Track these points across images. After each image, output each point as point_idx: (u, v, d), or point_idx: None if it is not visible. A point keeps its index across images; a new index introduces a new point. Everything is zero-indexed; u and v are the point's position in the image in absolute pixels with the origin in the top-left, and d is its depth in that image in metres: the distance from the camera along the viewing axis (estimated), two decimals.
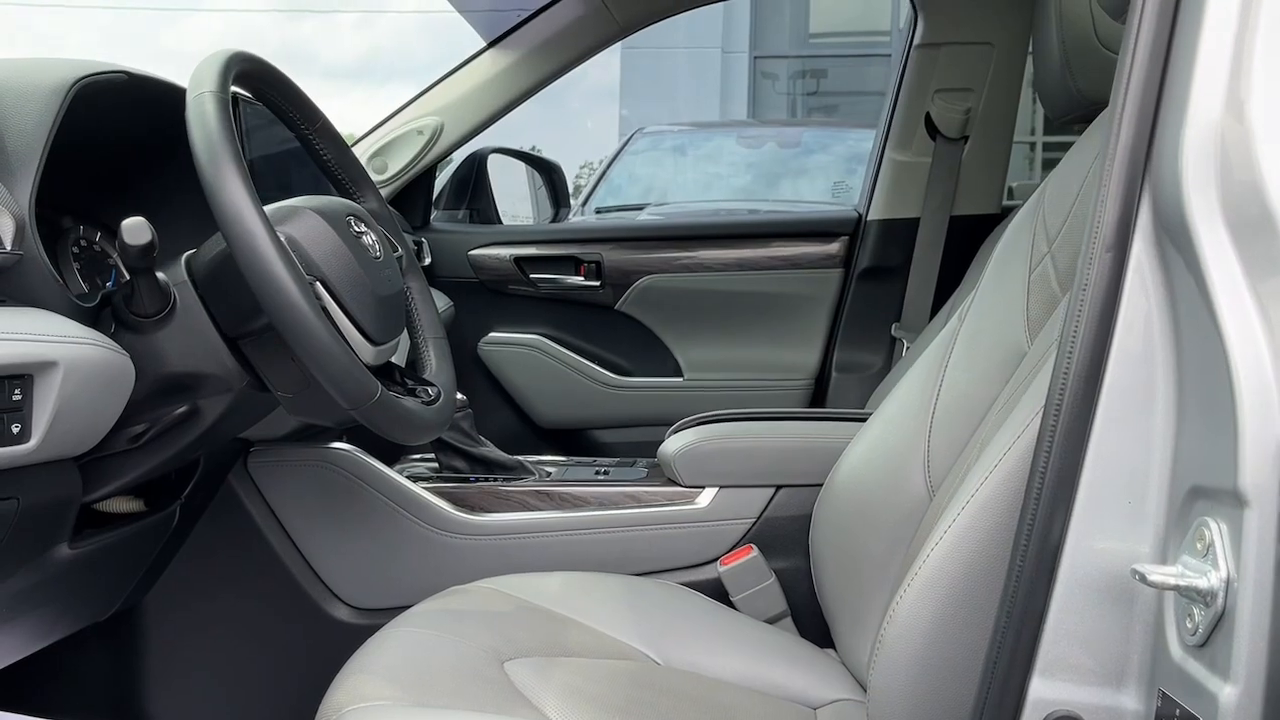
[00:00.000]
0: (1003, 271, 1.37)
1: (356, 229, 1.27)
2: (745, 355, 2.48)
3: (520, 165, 2.84)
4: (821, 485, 1.50)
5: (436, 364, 1.40)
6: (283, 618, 1.60)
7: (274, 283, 1.07)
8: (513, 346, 2.50)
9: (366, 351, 1.23)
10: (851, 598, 1.41)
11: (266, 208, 1.23)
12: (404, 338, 1.42)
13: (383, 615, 1.57)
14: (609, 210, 5.62)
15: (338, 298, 1.20)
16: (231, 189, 1.08)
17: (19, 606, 1.24)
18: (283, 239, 1.16)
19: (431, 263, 2.49)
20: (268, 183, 1.66)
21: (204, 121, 1.11)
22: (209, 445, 1.38)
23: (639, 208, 5.38)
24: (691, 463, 1.59)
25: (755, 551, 1.53)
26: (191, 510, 1.50)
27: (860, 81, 14.39)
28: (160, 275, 1.18)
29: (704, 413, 1.71)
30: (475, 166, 2.70)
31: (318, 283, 1.19)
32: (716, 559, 1.57)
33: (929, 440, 1.34)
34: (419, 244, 2.44)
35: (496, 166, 2.73)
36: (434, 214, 2.61)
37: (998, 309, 1.35)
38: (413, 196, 2.50)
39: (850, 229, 2.47)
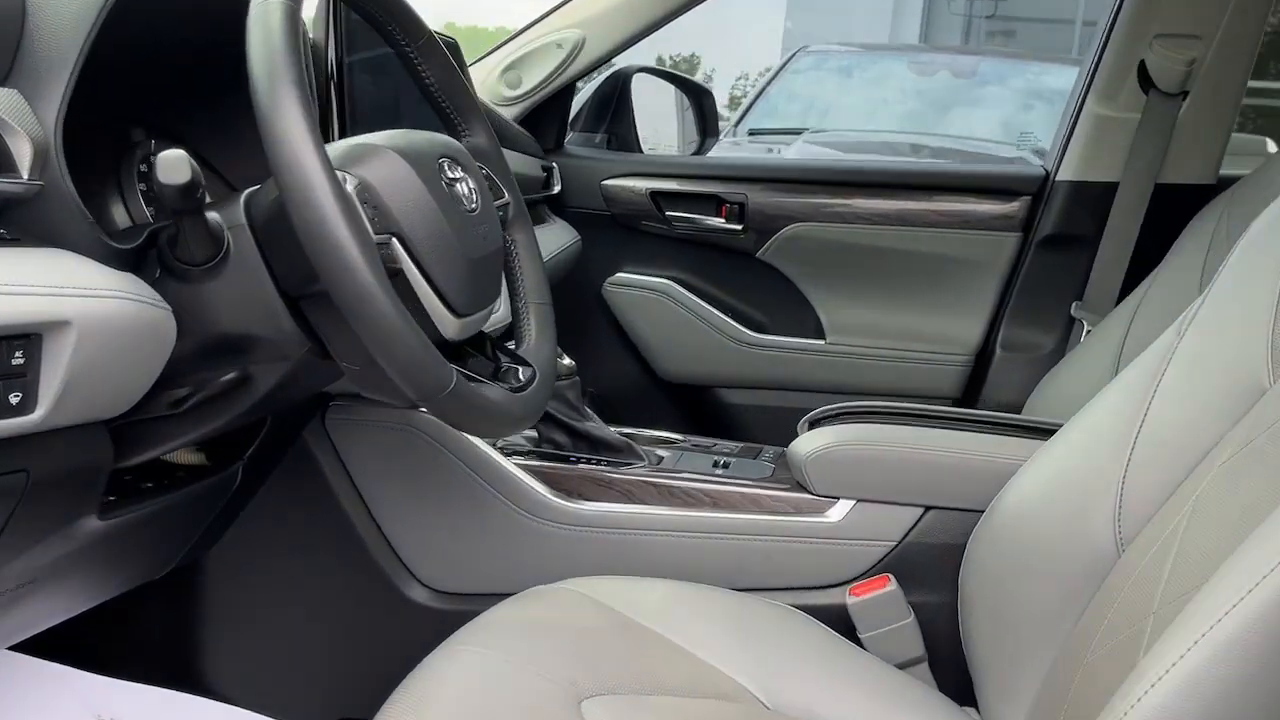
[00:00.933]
0: (1245, 278, 1.09)
1: (450, 175, 1.06)
2: (898, 321, 2.21)
3: (668, 87, 2.59)
4: (981, 512, 1.26)
5: (536, 337, 1.19)
6: (353, 591, 1.43)
7: (330, 241, 0.87)
8: (640, 290, 2.28)
9: (448, 324, 1.03)
10: (1005, 654, 1.17)
11: (341, 143, 1.03)
12: (502, 295, 1.22)
13: (461, 600, 1.41)
14: (763, 132, 5.31)
15: (418, 259, 1.00)
16: (288, 119, 0.88)
17: (54, 574, 1.09)
18: (351, 186, 0.96)
19: (561, 191, 2.28)
20: (378, 116, 1.46)
21: (267, 35, 0.91)
22: (263, 413, 1.21)
23: (796, 132, 5.06)
24: (826, 469, 1.35)
25: (893, 584, 1.29)
26: (258, 469, 1.34)
27: (1044, 7, 13.50)
28: (213, 216, 0.99)
29: (843, 403, 1.47)
30: (618, 86, 2.46)
31: (394, 239, 0.99)
32: (845, 584, 1.34)
33: (1124, 480, 1.08)
34: (548, 170, 2.22)
35: (641, 87, 2.49)
36: (569, 136, 2.40)
37: (1232, 327, 1.07)
38: (547, 116, 2.28)
39: (1034, 188, 2.16)
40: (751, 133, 5.32)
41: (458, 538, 1.40)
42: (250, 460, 1.29)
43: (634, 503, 1.38)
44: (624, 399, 2.34)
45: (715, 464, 1.45)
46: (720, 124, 5.48)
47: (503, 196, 1.22)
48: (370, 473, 1.41)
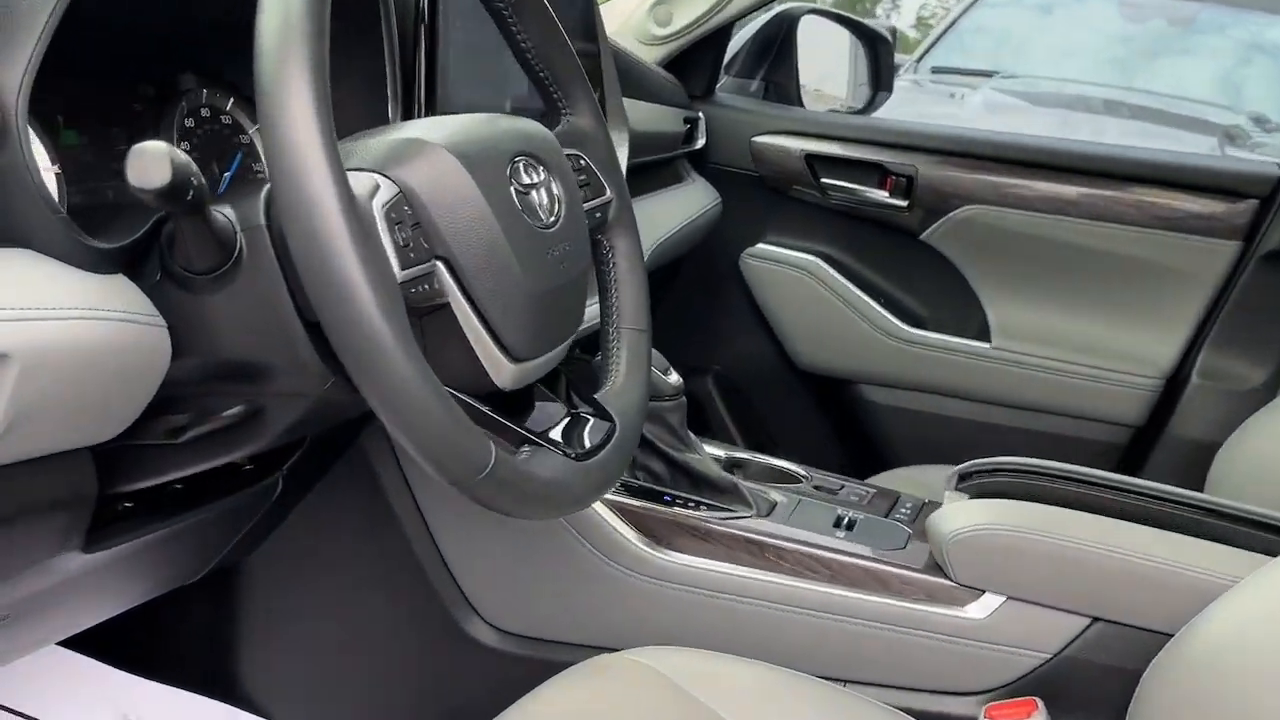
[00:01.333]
0: None
1: (524, 180, 0.83)
2: (1079, 331, 1.90)
3: (840, 32, 2.29)
4: (1168, 635, 0.99)
5: (625, 376, 0.96)
6: (406, 618, 1.26)
7: (330, 274, 0.66)
8: (783, 265, 2.01)
9: (503, 372, 0.81)
10: None
11: (381, 137, 0.81)
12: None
13: (525, 644, 1.22)
14: (948, 71, 4.88)
15: (469, 290, 0.78)
16: (292, 109, 0.66)
17: (34, 608, 0.93)
18: (387, 195, 0.75)
19: (706, 145, 2.03)
20: (477, 68, 1.24)
21: None
22: (282, 444, 1.01)
23: (985, 74, 4.63)
24: (973, 555, 1.10)
25: (1041, 712, 1.04)
26: (301, 478, 1.16)
27: None
28: (224, 213, 0.79)
29: (1002, 460, 1.21)
30: (783, 28, 2.17)
31: (439, 264, 0.77)
32: (979, 694, 1.09)
33: None
34: (692, 122, 1.97)
35: (810, 31, 2.19)
36: (721, 81, 2.13)
37: None
38: (698, 59, 2.02)
39: (1265, 190, 1.80)
40: (935, 70, 4.89)
41: (526, 575, 1.21)
42: (291, 470, 1.12)
43: (732, 561, 1.16)
44: (752, 385, 2.10)
45: (838, 521, 1.21)
46: (900, 58, 5.07)
47: (604, 193, 0.99)
48: (435, 491, 1.22)
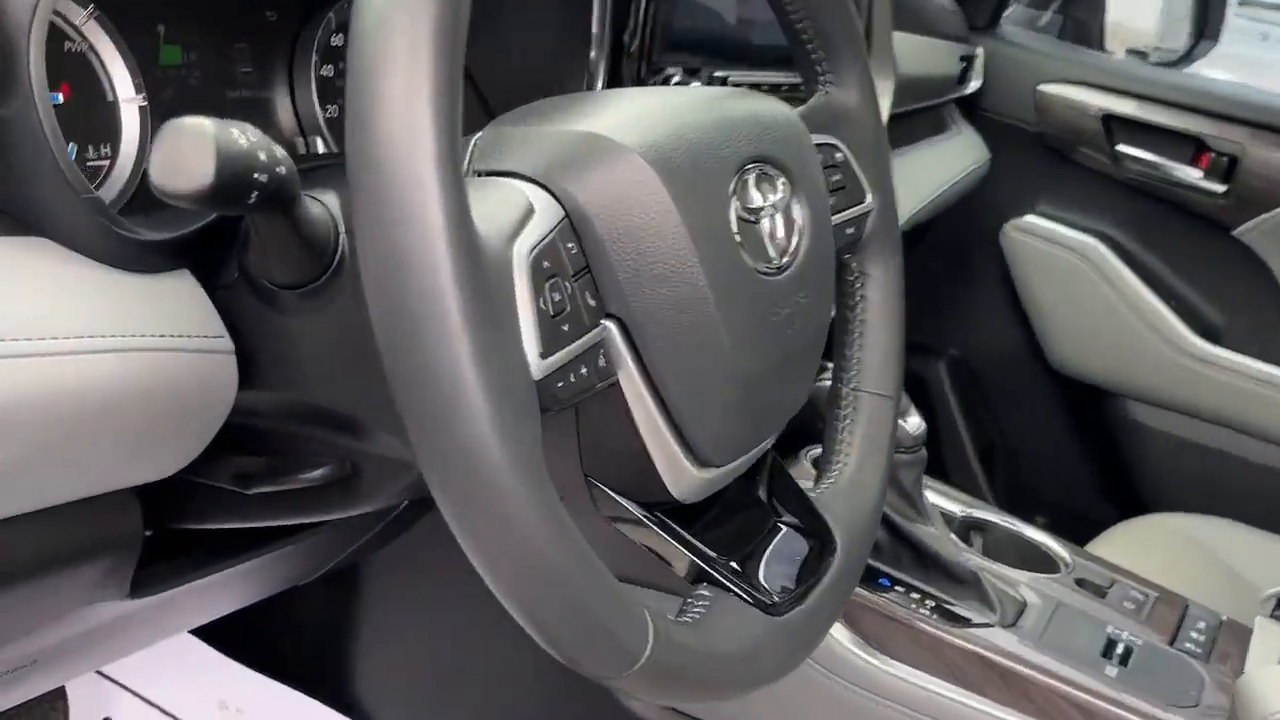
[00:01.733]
0: None
1: (756, 200, 0.57)
2: None
3: None
4: None
5: (857, 465, 0.69)
6: (540, 659, 1.04)
7: (424, 374, 0.41)
8: (1054, 244, 1.67)
9: (685, 480, 0.56)
10: None
11: (541, 122, 0.55)
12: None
13: None
14: (1260, 6, 4.24)
15: (648, 366, 0.52)
16: (391, 92, 0.41)
17: (66, 652, 0.76)
18: (547, 224, 0.50)
19: (981, 89, 1.69)
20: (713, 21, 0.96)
21: None
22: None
23: None
24: None
25: None
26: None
27: None
28: (324, 203, 0.55)
29: None
30: None
31: (611, 325, 0.51)
32: None
33: None
34: (968, 59, 1.63)
35: None
36: (1009, 11, 1.77)
37: None
38: None
39: None
40: (1243, 3, 4.25)
41: None
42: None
43: (961, 684, 0.88)
44: (993, 379, 1.78)
45: (1108, 647, 0.91)
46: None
47: (862, 199, 0.71)
48: None
